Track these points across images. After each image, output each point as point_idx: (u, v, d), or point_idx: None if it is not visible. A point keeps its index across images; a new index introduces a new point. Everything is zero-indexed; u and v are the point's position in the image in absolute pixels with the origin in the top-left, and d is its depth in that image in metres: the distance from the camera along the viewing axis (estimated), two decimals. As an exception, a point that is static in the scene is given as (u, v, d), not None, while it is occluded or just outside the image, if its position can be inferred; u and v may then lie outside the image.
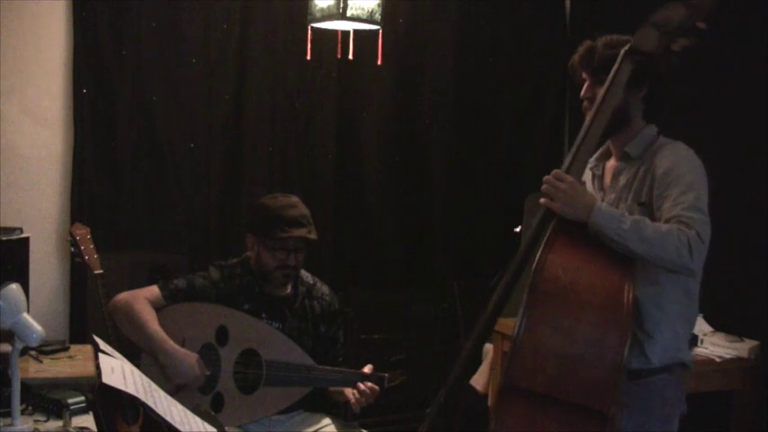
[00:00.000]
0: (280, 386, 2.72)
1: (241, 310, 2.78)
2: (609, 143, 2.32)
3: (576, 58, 2.29)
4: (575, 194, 2.03)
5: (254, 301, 2.81)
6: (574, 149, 2.13)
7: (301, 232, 2.74)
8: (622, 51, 2.11)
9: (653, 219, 2.09)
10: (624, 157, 2.25)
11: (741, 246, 3.56)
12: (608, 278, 1.95)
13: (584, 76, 2.26)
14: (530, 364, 1.88)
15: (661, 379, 2.18)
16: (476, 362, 3.82)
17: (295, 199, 2.83)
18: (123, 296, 2.77)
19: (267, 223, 2.75)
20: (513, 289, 2.16)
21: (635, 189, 2.20)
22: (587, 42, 2.27)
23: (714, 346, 3.46)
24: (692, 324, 2.26)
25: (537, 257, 1.95)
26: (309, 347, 2.78)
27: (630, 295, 1.91)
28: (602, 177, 2.33)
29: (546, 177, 2.06)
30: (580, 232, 2.02)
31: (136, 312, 2.71)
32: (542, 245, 1.98)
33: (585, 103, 2.25)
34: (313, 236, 2.76)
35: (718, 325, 3.59)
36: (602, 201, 2.23)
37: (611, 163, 2.32)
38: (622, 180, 2.24)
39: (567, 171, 2.10)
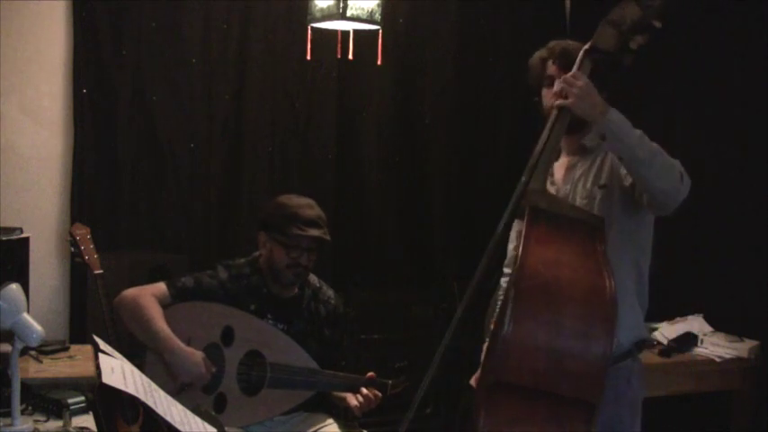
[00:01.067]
0: (283, 389, 2.71)
1: (247, 310, 2.78)
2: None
3: (542, 55, 2.36)
4: (590, 91, 2.07)
5: (260, 301, 2.81)
6: (540, 146, 2.17)
7: (317, 232, 2.74)
8: (582, 50, 2.17)
9: (614, 200, 2.21)
10: (579, 151, 2.34)
11: (741, 246, 3.56)
12: (587, 268, 1.98)
13: (555, 72, 2.31)
14: (517, 360, 1.90)
15: (626, 364, 2.25)
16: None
17: (311, 200, 2.83)
18: (130, 292, 2.76)
19: (284, 221, 2.74)
20: (489, 278, 2.21)
21: (594, 175, 2.29)
22: (558, 42, 2.35)
23: (714, 346, 3.47)
24: (646, 305, 2.33)
25: (518, 254, 1.98)
26: (314, 351, 2.77)
27: (612, 284, 1.95)
28: (552, 174, 2.38)
29: (562, 77, 2.11)
30: (552, 224, 2.06)
31: (142, 309, 2.71)
32: (520, 242, 2.00)
33: (555, 99, 2.30)
34: (328, 237, 2.77)
35: (718, 325, 3.59)
36: (558, 193, 2.32)
37: (562, 160, 2.39)
38: (578, 172, 2.32)
39: (534, 169, 2.16)
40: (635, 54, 2.13)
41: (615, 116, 2.05)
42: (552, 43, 2.36)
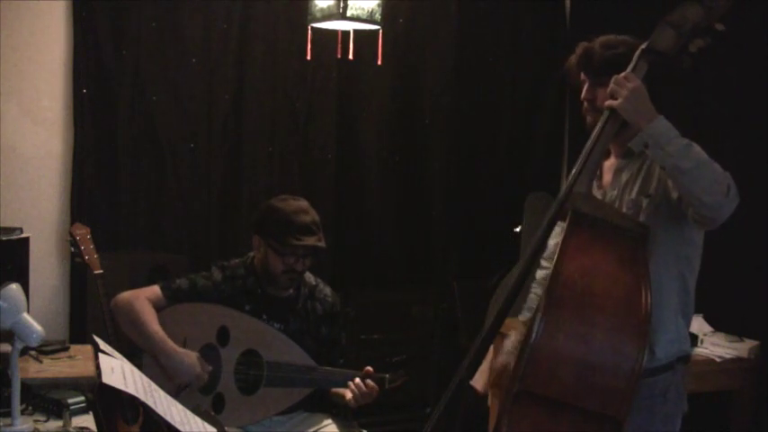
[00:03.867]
0: (280, 387, 2.71)
1: (242, 310, 2.78)
2: None
3: (573, 59, 2.27)
4: (641, 95, 2.01)
5: (255, 301, 2.81)
6: (588, 148, 2.11)
7: (312, 240, 2.72)
8: (639, 50, 2.09)
9: (660, 210, 2.13)
10: (627, 154, 2.25)
11: (741, 246, 3.56)
12: (624, 280, 1.93)
13: (584, 77, 2.25)
14: (545, 370, 1.86)
15: (664, 378, 2.18)
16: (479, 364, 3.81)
17: (305, 203, 2.80)
18: (124, 296, 2.77)
19: (279, 228, 2.72)
20: (524, 285, 2.17)
21: (641, 183, 2.20)
22: (584, 44, 2.26)
23: (714, 346, 3.47)
24: (690, 319, 2.28)
25: (554, 262, 1.93)
26: (311, 349, 2.77)
27: (649, 300, 1.89)
28: (600, 177, 2.32)
29: (614, 77, 2.04)
30: (594, 230, 2.00)
31: (136, 312, 2.71)
32: (558, 248, 1.96)
33: (586, 104, 2.24)
34: (323, 244, 2.75)
35: (719, 325, 3.59)
36: (604, 198, 2.24)
37: (611, 162, 2.31)
38: (625, 176, 2.24)
39: (578, 174, 2.09)
40: (693, 58, 2.05)
41: (660, 124, 1.98)
42: (579, 45, 2.27)
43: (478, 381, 3.88)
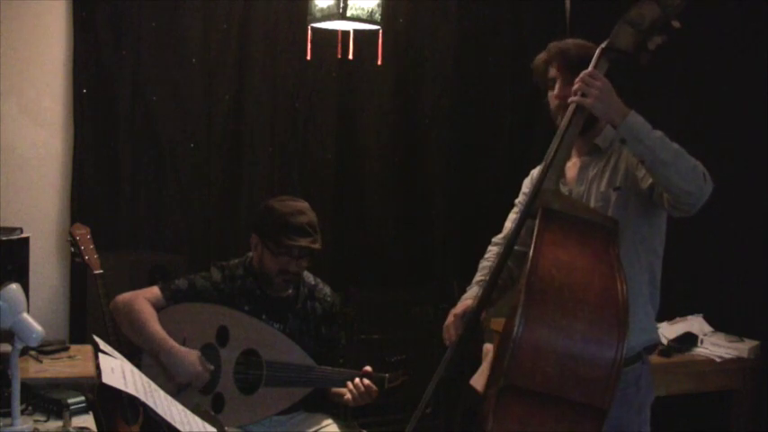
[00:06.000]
0: (280, 387, 2.71)
1: (242, 310, 2.78)
2: None
3: (543, 57, 2.32)
4: (610, 93, 2.04)
5: (254, 302, 2.81)
6: (554, 146, 2.15)
7: (306, 242, 2.72)
8: (599, 49, 2.13)
9: (629, 203, 2.18)
10: (593, 151, 2.30)
11: (741, 246, 3.56)
12: (600, 272, 1.97)
13: (556, 74, 2.28)
14: (529, 364, 1.88)
15: (634, 369, 2.23)
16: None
17: (304, 204, 2.80)
18: (124, 297, 2.77)
19: (274, 228, 2.73)
20: (499, 277, 2.23)
21: (608, 177, 2.25)
22: (556, 44, 2.30)
23: (714, 346, 3.47)
24: (658, 305, 2.31)
25: (529, 257, 1.96)
26: (310, 348, 2.78)
27: (625, 290, 1.93)
28: (564, 175, 2.34)
29: (580, 75, 2.06)
30: (566, 225, 2.04)
31: (136, 313, 2.71)
32: (532, 243, 1.99)
33: (558, 102, 2.28)
34: (317, 245, 2.74)
35: (719, 325, 3.59)
36: (570, 194, 2.28)
37: (573, 160, 2.35)
38: (592, 172, 2.28)
39: (546, 172, 2.12)
40: (652, 55, 2.09)
41: (635, 118, 2.01)
42: (551, 45, 2.32)
43: (478, 381, 3.89)
